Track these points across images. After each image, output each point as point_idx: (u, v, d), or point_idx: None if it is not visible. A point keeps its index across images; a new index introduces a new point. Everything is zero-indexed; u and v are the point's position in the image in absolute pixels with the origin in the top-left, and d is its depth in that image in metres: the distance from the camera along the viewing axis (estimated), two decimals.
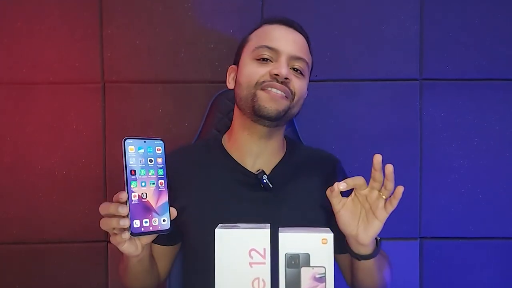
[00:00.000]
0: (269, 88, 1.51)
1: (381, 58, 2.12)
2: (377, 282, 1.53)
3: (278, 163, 1.65)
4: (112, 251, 2.15)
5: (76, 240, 2.14)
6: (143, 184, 1.21)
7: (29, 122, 2.10)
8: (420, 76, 2.12)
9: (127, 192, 1.19)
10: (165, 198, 1.25)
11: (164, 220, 1.24)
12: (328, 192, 1.34)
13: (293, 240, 1.04)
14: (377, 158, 1.34)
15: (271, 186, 1.58)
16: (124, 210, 1.18)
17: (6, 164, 2.12)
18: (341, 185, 1.31)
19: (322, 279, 1.03)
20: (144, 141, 1.23)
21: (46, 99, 2.11)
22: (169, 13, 2.11)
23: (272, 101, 1.50)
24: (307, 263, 1.03)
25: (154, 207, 1.22)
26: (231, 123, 1.69)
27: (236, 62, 1.66)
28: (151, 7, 2.11)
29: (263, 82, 1.51)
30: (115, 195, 1.21)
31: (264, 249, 1.03)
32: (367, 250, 1.40)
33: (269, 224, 1.07)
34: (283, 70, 1.50)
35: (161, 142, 1.27)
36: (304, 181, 1.64)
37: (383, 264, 1.55)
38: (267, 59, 1.54)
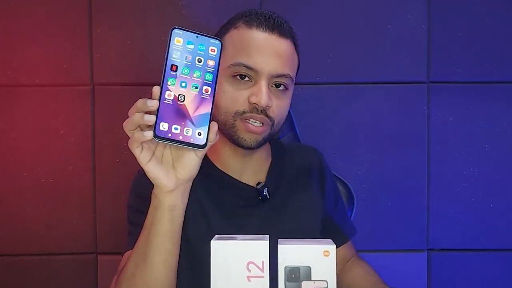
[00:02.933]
0: (249, 120, 1.45)
1: (386, 60, 2.13)
2: None
3: (269, 171, 1.64)
4: (102, 263, 2.14)
5: (64, 252, 2.14)
6: (184, 85, 1.13)
7: (13, 127, 2.10)
8: (427, 79, 2.13)
9: (161, 89, 1.11)
10: (207, 109, 1.14)
11: (199, 134, 1.14)
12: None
13: (293, 253, 1.03)
14: None
15: (268, 197, 1.57)
16: (152, 103, 1.10)
17: None
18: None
19: None
20: (197, 36, 1.15)
21: (32, 103, 2.10)
22: (162, 12, 2.11)
23: (251, 133, 1.46)
24: (308, 277, 1.03)
25: (190, 115, 1.13)
26: None
27: None
28: (143, 6, 2.11)
29: (243, 112, 1.45)
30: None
31: (263, 262, 1.03)
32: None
33: (268, 236, 1.07)
34: (262, 100, 1.42)
35: (218, 42, 1.17)
36: (299, 184, 1.65)
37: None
38: (244, 76, 1.45)
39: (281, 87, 1.48)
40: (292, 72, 1.51)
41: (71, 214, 2.12)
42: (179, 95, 1.12)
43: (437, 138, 2.13)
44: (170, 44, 1.13)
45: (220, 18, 1.57)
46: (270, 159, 1.67)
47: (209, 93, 1.15)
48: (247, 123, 1.46)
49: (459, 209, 2.13)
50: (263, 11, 1.54)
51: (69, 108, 2.11)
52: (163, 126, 1.10)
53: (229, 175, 1.60)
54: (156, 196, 1.25)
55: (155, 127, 1.10)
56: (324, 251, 1.03)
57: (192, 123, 1.13)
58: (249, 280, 1.03)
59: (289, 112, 1.84)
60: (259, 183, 1.60)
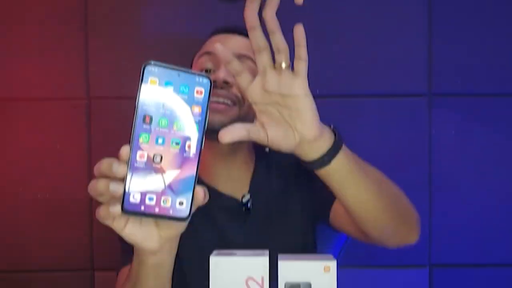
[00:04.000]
0: (211, 99, 1.44)
1: (386, 72, 2.13)
2: (379, 191, 1.25)
3: (252, 179, 1.64)
4: (99, 280, 2.14)
5: (60, 269, 2.13)
6: (160, 141, 0.88)
7: (8, 142, 2.10)
8: (429, 91, 2.13)
9: (131, 147, 0.88)
10: (191, 170, 0.91)
11: (181, 203, 0.90)
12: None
13: (293, 268, 1.03)
14: (250, 7, 1.06)
15: (251, 208, 1.58)
16: (119, 169, 0.87)
17: None
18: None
19: None
20: (178, 74, 0.89)
21: (27, 116, 2.10)
22: (158, 26, 2.12)
23: (214, 113, 1.42)
24: None
25: (169, 180, 0.89)
26: None
27: None
28: (139, 18, 2.12)
29: None
30: None
31: (262, 278, 1.03)
32: (321, 144, 1.13)
33: (268, 251, 1.07)
34: (219, 73, 1.45)
35: (207, 80, 0.92)
36: (281, 191, 1.64)
37: (370, 169, 1.28)
38: (210, 70, 1.50)
39: None
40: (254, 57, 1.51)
41: (68, 230, 2.12)
42: (154, 155, 0.88)
43: (438, 151, 2.13)
44: (142, 87, 0.89)
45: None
46: (253, 166, 1.66)
47: (194, 150, 0.91)
48: (211, 103, 1.45)
49: (461, 223, 2.13)
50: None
51: (65, 122, 2.11)
52: (134, 197, 0.88)
53: (214, 188, 1.60)
54: (138, 255, 1.06)
55: (123, 198, 0.87)
56: (325, 267, 1.02)
57: (172, 190, 0.90)
58: None
59: None
60: (244, 195, 1.59)
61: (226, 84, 1.45)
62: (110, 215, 0.91)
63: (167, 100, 0.89)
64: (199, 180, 1.53)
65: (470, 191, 2.13)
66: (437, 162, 2.13)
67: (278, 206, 1.62)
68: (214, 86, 1.40)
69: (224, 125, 1.42)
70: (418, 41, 2.13)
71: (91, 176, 2.04)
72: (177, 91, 0.89)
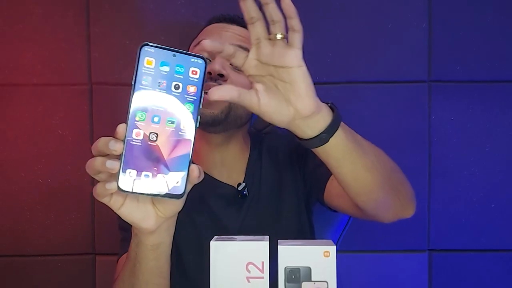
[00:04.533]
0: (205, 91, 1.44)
1: (386, 58, 2.12)
2: (374, 165, 1.22)
3: (247, 166, 1.64)
4: (100, 264, 2.14)
5: (62, 253, 2.14)
6: (156, 119, 0.90)
7: (11, 127, 2.10)
8: (428, 77, 2.12)
9: (127, 126, 0.90)
10: (186, 149, 0.92)
11: (176, 181, 0.92)
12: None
13: (293, 253, 1.03)
14: None
15: (247, 195, 1.58)
16: (115, 146, 0.89)
17: None
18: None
19: None
20: (174, 55, 0.92)
21: (29, 102, 2.10)
22: (161, 10, 2.11)
23: (205, 105, 1.39)
24: (308, 278, 1.02)
25: (164, 158, 0.91)
26: None
27: None
28: (141, 5, 2.11)
29: None
30: None
31: (262, 263, 1.03)
32: (320, 119, 1.09)
33: (268, 236, 1.07)
34: (215, 65, 1.42)
35: (201, 61, 0.93)
36: (273, 175, 1.64)
37: (366, 144, 1.25)
38: None
39: None
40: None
41: (69, 215, 2.12)
42: (151, 133, 0.90)
43: (438, 137, 2.13)
44: (139, 66, 0.91)
45: None
46: (248, 153, 1.67)
47: (189, 128, 0.93)
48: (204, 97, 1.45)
49: (460, 209, 2.13)
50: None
51: (67, 107, 2.11)
52: (130, 174, 0.90)
53: (209, 175, 1.60)
54: (137, 235, 1.08)
55: (119, 175, 0.90)
56: (324, 252, 1.03)
57: (167, 168, 0.91)
58: (249, 281, 1.03)
59: None
60: (239, 184, 1.59)
61: (220, 76, 1.45)
62: (107, 192, 0.92)
63: (162, 79, 0.91)
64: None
65: (469, 177, 2.13)
66: (436, 148, 2.12)
67: (273, 192, 1.62)
68: (209, 78, 1.42)
69: (215, 116, 1.45)
70: (418, 28, 2.13)
71: None
72: (173, 71, 0.91)
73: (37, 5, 2.10)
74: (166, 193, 0.92)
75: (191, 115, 0.92)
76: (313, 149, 1.15)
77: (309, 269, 1.03)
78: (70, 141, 2.10)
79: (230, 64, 1.47)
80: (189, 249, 1.53)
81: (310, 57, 2.04)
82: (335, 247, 1.04)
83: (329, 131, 1.10)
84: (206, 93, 0.95)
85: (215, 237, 1.09)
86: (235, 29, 1.55)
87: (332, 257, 1.03)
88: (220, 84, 1.40)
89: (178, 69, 0.92)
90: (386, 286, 2.13)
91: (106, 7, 2.11)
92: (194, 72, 0.92)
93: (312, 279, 1.02)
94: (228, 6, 2.07)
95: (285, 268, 1.03)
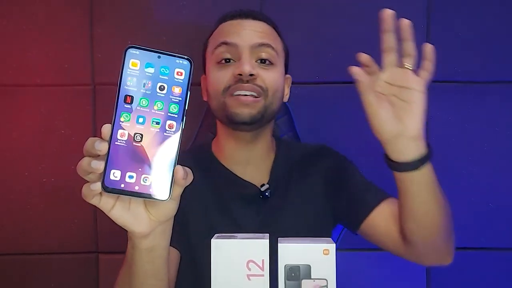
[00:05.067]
0: (237, 92, 1.47)
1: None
2: (443, 207, 1.31)
3: (272, 168, 1.64)
4: (103, 262, 2.15)
5: (65, 251, 2.14)
6: (141, 120, 0.89)
7: (15, 127, 2.10)
8: None
9: (112, 126, 0.89)
10: (172, 150, 0.90)
11: (161, 183, 0.90)
12: (361, 88, 1.25)
13: (293, 251, 1.03)
14: (387, 13, 1.23)
15: (269, 196, 1.58)
16: (100, 146, 0.88)
17: None
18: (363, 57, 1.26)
19: None
20: (159, 56, 0.91)
21: (33, 102, 2.11)
22: (163, 11, 2.11)
23: (242, 106, 1.46)
24: (308, 275, 1.03)
25: (149, 158, 0.89)
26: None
27: (204, 70, 1.63)
28: (144, 5, 2.11)
29: (229, 87, 1.48)
30: None
31: (263, 261, 1.03)
32: (420, 145, 1.21)
33: (268, 235, 1.07)
34: (245, 67, 1.45)
35: (187, 62, 0.92)
36: (302, 183, 1.64)
37: (439, 185, 1.31)
38: (229, 60, 1.50)
39: (267, 62, 1.51)
40: (275, 45, 1.53)
41: (73, 213, 2.13)
42: (135, 134, 0.89)
43: (435, 137, 2.12)
44: (124, 68, 0.92)
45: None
46: (274, 155, 1.66)
47: (174, 129, 0.90)
48: (237, 97, 1.47)
49: (458, 208, 2.11)
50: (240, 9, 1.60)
51: (70, 107, 2.11)
52: (114, 175, 0.88)
53: (232, 172, 1.60)
54: (131, 239, 1.04)
55: (104, 176, 0.89)
56: (324, 250, 1.03)
57: (152, 168, 0.89)
58: (249, 279, 1.03)
59: (288, 110, 1.85)
60: (263, 184, 1.59)
61: (251, 76, 1.46)
62: (92, 193, 0.91)
63: (147, 81, 0.90)
64: (219, 164, 1.52)
65: (467, 176, 2.13)
66: (434, 147, 2.12)
67: (297, 201, 1.62)
68: (240, 80, 1.44)
69: (253, 116, 1.46)
70: (417, 29, 2.12)
71: None
72: (158, 72, 0.90)
73: (41, 6, 2.10)
74: (150, 194, 0.90)
75: (176, 116, 0.91)
76: (398, 174, 1.23)
77: (309, 267, 1.03)
78: (73, 141, 2.10)
79: (260, 60, 1.50)
80: (202, 245, 1.51)
81: (310, 57, 2.05)
82: (334, 245, 1.04)
83: (423, 160, 1.20)
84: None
85: (216, 235, 1.09)
86: (252, 24, 1.54)
87: (332, 255, 1.03)
88: (248, 83, 1.46)
89: (163, 70, 0.91)
90: (385, 284, 2.13)
91: (109, 8, 2.11)
92: (179, 73, 0.91)
93: (312, 277, 1.03)
94: (230, 6, 2.08)
95: (285, 266, 1.03)
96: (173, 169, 0.90)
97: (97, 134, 1.99)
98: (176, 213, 1.01)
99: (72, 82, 2.11)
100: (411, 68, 1.17)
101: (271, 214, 1.58)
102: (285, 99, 1.64)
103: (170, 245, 1.14)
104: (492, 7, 2.13)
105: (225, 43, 1.50)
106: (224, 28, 1.57)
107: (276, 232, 1.13)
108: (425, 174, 1.22)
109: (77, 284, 2.15)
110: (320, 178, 1.64)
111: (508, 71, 2.12)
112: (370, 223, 1.52)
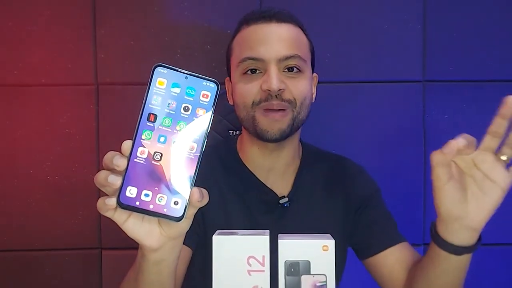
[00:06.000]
0: (267, 110, 1.43)
1: (383, 59, 2.13)
2: None
3: (296, 177, 1.61)
4: (106, 259, 2.14)
5: (69, 247, 2.14)
6: (162, 139, 0.88)
7: (20, 126, 2.10)
8: (423, 77, 2.13)
9: (133, 143, 0.88)
10: (190, 171, 0.89)
11: (176, 203, 0.89)
12: (435, 159, 1.13)
13: (293, 247, 1.03)
14: (510, 100, 1.10)
15: (289, 206, 1.55)
16: (119, 162, 0.87)
17: None
18: (461, 142, 1.11)
19: (323, 287, 1.03)
20: (186, 77, 0.90)
21: (37, 102, 2.10)
22: (165, 13, 2.11)
23: (273, 123, 1.43)
24: (308, 271, 1.03)
25: (166, 178, 0.88)
26: (240, 128, 1.66)
27: (229, 74, 1.59)
28: (146, 7, 2.11)
29: (259, 101, 1.43)
30: None
31: (263, 257, 1.03)
32: (474, 237, 1.16)
33: (268, 231, 1.07)
34: (273, 84, 1.40)
35: (214, 85, 0.90)
36: (324, 197, 1.61)
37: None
38: (255, 70, 1.45)
39: (294, 70, 1.46)
40: (301, 52, 1.48)
41: (76, 211, 2.13)
42: (155, 152, 0.88)
43: (432, 135, 2.13)
44: (150, 86, 0.90)
45: (222, 19, 1.58)
46: (299, 162, 1.64)
47: (194, 151, 0.89)
48: (267, 114, 1.43)
49: None
50: (262, 8, 1.55)
51: (74, 107, 2.11)
52: (131, 192, 0.88)
53: (256, 176, 1.58)
54: (140, 249, 1.04)
55: (120, 191, 0.88)
56: (323, 246, 1.03)
57: (169, 188, 0.88)
58: (250, 274, 1.03)
59: None
60: (283, 196, 1.56)
61: (280, 91, 1.42)
62: (106, 207, 0.90)
63: (172, 101, 0.89)
64: (243, 166, 1.54)
65: None
66: (431, 145, 2.12)
67: (315, 211, 1.59)
68: (269, 96, 1.41)
69: (283, 131, 1.44)
70: (414, 30, 2.13)
71: (98, 159, 2.06)
72: (183, 92, 0.89)
73: (45, 7, 2.10)
74: (164, 214, 0.89)
75: (198, 138, 0.89)
76: (436, 248, 1.18)
77: (308, 262, 1.03)
78: (77, 139, 2.10)
79: (287, 69, 1.46)
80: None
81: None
82: (333, 241, 1.04)
83: (469, 250, 1.16)
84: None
85: (217, 231, 1.09)
86: (277, 31, 1.47)
87: (331, 251, 1.03)
88: (277, 98, 1.42)
89: (189, 91, 0.89)
90: None
91: (112, 9, 2.11)
92: (205, 96, 0.90)
93: (311, 272, 1.03)
94: (231, 7, 2.07)
95: (285, 261, 1.03)
96: (190, 191, 0.89)
97: (100, 132, 2.00)
98: None
99: (75, 82, 2.11)
100: (504, 158, 1.07)
101: (288, 223, 1.55)
102: (313, 99, 1.59)
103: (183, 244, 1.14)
104: (486, 10, 2.13)
105: (252, 59, 1.44)
106: (247, 35, 1.50)
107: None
108: (463, 261, 1.19)
109: (80, 279, 2.15)
110: (345, 198, 1.61)
111: (503, 70, 2.12)
112: (377, 261, 1.51)
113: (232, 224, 1.54)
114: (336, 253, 1.15)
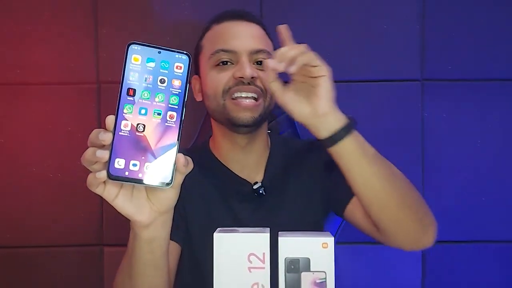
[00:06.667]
0: (238, 94, 1.46)
1: (381, 58, 2.12)
2: (393, 182, 1.27)
3: (267, 165, 1.63)
4: (108, 255, 2.14)
5: (71, 244, 2.14)
6: (143, 111, 0.92)
7: (22, 124, 2.10)
8: (421, 76, 2.12)
9: (116, 117, 0.92)
10: (172, 139, 0.93)
11: (164, 169, 0.92)
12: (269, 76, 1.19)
13: (293, 245, 1.03)
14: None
15: (264, 194, 1.57)
16: (104, 136, 0.91)
17: None
18: (271, 62, 1.16)
19: (322, 284, 1.03)
20: (159, 52, 0.94)
21: (39, 100, 2.10)
22: (166, 12, 2.11)
23: (245, 110, 1.46)
24: (307, 268, 1.02)
25: (151, 147, 0.92)
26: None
27: (197, 72, 1.61)
28: (147, 7, 2.11)
29: (229, 88, 1.47)
30: None
31: (264, 254, 1.03)
32: (336, 118, 1.21)
33: (269, 229, 1.07)
34: (247, 71, 1.45)
35: (185, 57, 0.95)
36: (298, 178, 1.63)
37: (384, 162, 1.30)
38: (226, 62, 1.49)
39: (263, 64, 1.50)
40: (269, 49, 1.54)
41: (78, 208, 2.13)
42: (138, 124, 0.91)
43: (430, 133, 2.13)
44: (126, 63, 0.94)
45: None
46: (268, 151, 1.66)
47: (174, 119, 0.93)
48: (237, 101, 1.47)
49: (452, 202, 2.13)
50: (231, 9, 1.61)
51: (76, 105, 2.11)
52: (119, 163, 0.91)
53: (230, 169, 1.60)
54: (133, 229, 1.07)
55: (109, 164, 0.91)
56: (323, 243, 1.03)
57: (155, 156, 0.92)
58: (250, 271, 1.03)
59: None
60: (256, 182, 1.59)
61: (252, 78, 1.46)
62: (97, 181, 0.94)
63: (149, 75, 0.93)
64: (217, 161, 1.56)
65: (461, 171, 2.13)
66: (429, 144, 2.12)
67: (290, 193, 1.61)
68: (241, 82, 1.45)
69: (254, 120, 1.47)
70: (412, 29, 2.13)
71: None
72: (158, 66, 0.93)
73: (47, 7, 2.10)
74: (153, 181, 0.92)
75: (176, 107, 0.93)
76: (331, 151, 1.23)
77: (308, 260, 1.03)
78: (78, 137, 2.10)
79: (256, 63, 1.51)
80: (203, 238, 1.51)
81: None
82: (333, 238, 1.04)
83: (341, 134, 1.20)
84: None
85: (218, 229, 1.09)
86: (247, 29, 1.55)
87: (330, 248, 1.03)
88: (249, 85, 1.47)
89: (163, 64, 0.94)
90: (382, 276, 2.13)
91: (114, 9, 2.11)
92: (178, 67, 0.94)
93: (311, 270, 1.03)
94: (230, 6, 2.07)
95: (285, 259, 1.03)
96: (175, 157, 0.92)
97: None
98: (177, 207, 1.04)
99: (77, 80, 2.11)
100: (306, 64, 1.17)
101: (267, 210, 1.57)
102: None
103: (171, 239, 1.17)
104: (483, 10, 2.12)
105: (223, 51, 1.50)
106: (219, 31, 1.56)
107: (273, 227, 1.12)
108: (348, 146, 1.22)
109: (82, 276, 2.15)
110: (316, 171, 1.62)
111: (501, 69, 2.12)
112: (351, 211, 1.51)
113: (216, 217, 1.56)
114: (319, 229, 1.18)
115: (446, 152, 2.13)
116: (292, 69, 1.15)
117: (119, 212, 0.99)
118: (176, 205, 1.04)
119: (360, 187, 1.27)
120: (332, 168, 1.58)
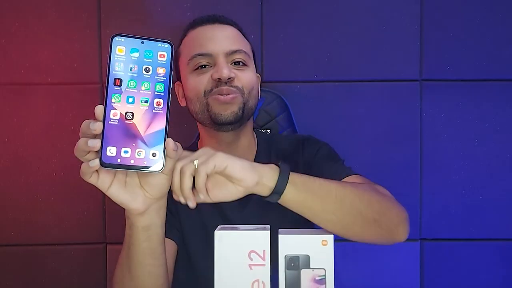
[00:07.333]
0: (218, 95, 1.47)
1: (381, 58, 2.12)
2: (339, 207, 1.21)
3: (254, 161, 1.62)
4: (111, 253, 2.15)
5: (75, 242, 2.15)
6: (131, 100, 0.95)
7: (27, 124, 2.11)
8: (420, 77, 2.12)
9: (105, 107, 0.94)
10: (161, 125, 0.96)
11: (154, 154, 0.95)
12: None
13: (293, 242, 1.03)
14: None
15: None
16: (95, 125, 0.93)
17: (4, 166, 2.12)
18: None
19: (322, 281, 1.03)
20: (142, 42, 0.98)
21: (44, 100, 2.11)
22: (168, 14, 2.11)
23: (225, 105, 1.46)
24: (307, 265, 1.03)
25: (141, 134, 0.95)
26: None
27: (179, 78, 1.62)
28: (150, 8, 2.11)
29: (211, 89, 1.47)
30: None
31: (264, 251, 1.03)
32: (268, 181, 1.15)
33: (269, 226, 1.07)
34: (224, 72, 1.45)
35: (168, 46, 1.00)
36: None
37: (328, 189, 1.22)
38: (205, 65, 1.50)
39: (240, 64, 1.52)
40: (245, 49, 1.55)
41: (82, 206, 2.13)
42: (126, 112, 0.94)
43: (429, 133, 2.13)
44: (111, 55, 0.95)
45: None
46: (255, 150, 1.66)
47: (161, 106, 0.96)
48: (218, 97, 1.46)
49: (450, 201, 2.13)
50: (205, 15, 1.62)
51: (80, 105, 2.11)
52: (111, 151, 0.93)
53: None
54: (129, 218, 1.09)
55: (101, 153, 0.93)
56: (322, 241, 1.03)
57: (145, 143, 0.95)
58: (251, 268, 1.03)
59: (287, 107, 1.84)
60: None
61: (229, 79, 1.47)
62: (90, 169, 0.96)
63: (134, 64, 0.96)
64: None
65: (459, 170, 2.13)
66: (427, 143, 2.13)
67: None
68: (220, 83, 1.46)
69: (236, 114, 1.47)
70: (411, 30, 2.13)
71: None
72: (142, 56, 0.97)
73: (51, 8, 2.10)
74: (145, 166, 0.95)
75: (162, 94, 0.96)
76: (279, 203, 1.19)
77: (308, 257, 1.03)
78: None
79: (234, 63, 1.51)
80: (195, 236, 1.54)
81: (309, 57, 2.05)
82: (332, 236, 1.04)
83: (278, 191, 1.15)
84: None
85: (219, 226, 1.09)
86: (221, 31, 1.55)
87: (330, 245, 1.03)
88: (227, 85, 1.46)
89: (147, 54, 0.97)
90: (380, 273, 2.14)
91: (117, 10, 2.11)
92: (162, 56, 0.98)
93: (311, 267, 1.03)
94: (231, 7, 2.07)
95: (285, 256, 1.03)
96: (164, 142, 0.96)
97: None
98: (169, 206, 1.09)
99: (81, 80, 2.11)
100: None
101: (254, 208, 1.57)
102: (259, 96, 1.63)
103: (167, 237, 1.22)
104: (482, 10, 2.12)
105: (201, 55, 1.50)
106: (195, 36, 1.57)
107: (262, 224, 1.13)
108: (290, 196, 1.17)
109: (85, 274, 2.16)
110: (302, 167, 1.61)
111: (499, 69, 2.12)
112: None
113: (205, 216, 1.56)
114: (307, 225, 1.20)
115: (444, 152, 2.13)
116: (200, 200, 1.11)
117: (121, 211, 1.00)
118: (167, 204, 1.09)
119: (319, 223, 1.22)
120: (315, 163, 1.60)
